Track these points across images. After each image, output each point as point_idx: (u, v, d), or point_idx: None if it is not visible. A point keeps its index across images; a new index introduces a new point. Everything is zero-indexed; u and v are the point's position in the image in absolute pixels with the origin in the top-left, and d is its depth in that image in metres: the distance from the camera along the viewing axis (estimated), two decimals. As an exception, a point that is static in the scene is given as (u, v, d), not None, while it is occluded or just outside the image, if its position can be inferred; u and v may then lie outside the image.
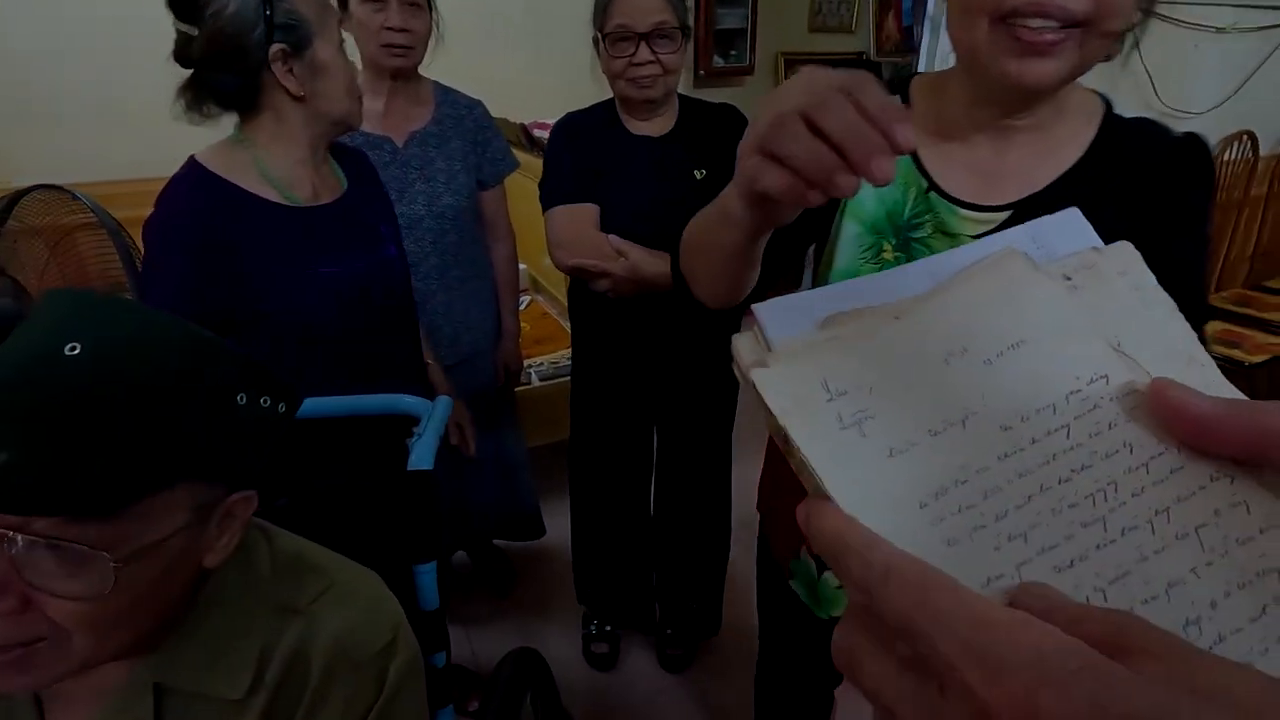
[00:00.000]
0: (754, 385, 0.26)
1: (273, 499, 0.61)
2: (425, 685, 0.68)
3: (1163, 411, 0.24)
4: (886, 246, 0.69)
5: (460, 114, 1.51)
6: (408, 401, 0.94)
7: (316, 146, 1.07)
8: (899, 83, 0.73)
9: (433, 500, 0.85)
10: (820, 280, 0.74)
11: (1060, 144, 0.65)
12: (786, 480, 0.66)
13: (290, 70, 0.98)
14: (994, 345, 0.26)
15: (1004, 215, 0.65)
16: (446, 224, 1.47)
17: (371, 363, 1.12)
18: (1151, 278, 0.28)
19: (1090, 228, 0.30)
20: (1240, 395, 0.25)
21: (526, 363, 1.95)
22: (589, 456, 1.57)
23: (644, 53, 1.24)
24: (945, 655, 0.17)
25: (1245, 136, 2.52)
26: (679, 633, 1.73)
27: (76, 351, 0.46)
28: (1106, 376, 0.25)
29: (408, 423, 0.92)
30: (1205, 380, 0.26)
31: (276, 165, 1.03)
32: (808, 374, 0.26)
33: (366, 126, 1.41)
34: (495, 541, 1.96)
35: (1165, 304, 0.28)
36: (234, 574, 0.59)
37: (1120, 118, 0.67)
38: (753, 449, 0.26)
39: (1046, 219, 0.30)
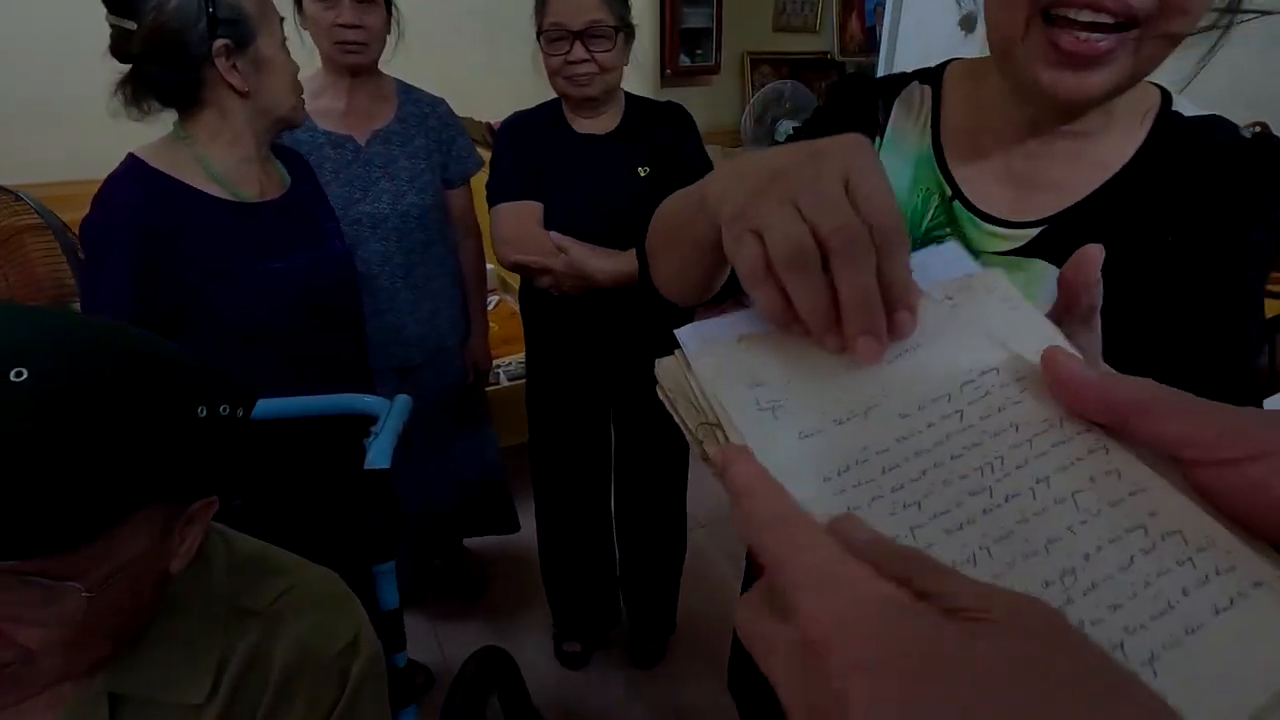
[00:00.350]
0: (669, 399, 0.30)
1: (228, 501, 0.60)
2: (387, 685, 0.68)
3: (1052, 378, 0.27)
4: None
5: (424, 112, 1.50)
6: (366, 401, 0.93)
7: (261, 143, 1.05)
8: (933, 70, 0.64)
9: (391, 499, 0.85)
10: None
11: (1106, 148, 0.56)
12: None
13: (234, 66, 0.97)
14: (893, 349, 0.30)
15: (1034, 232, 0.57)
16: (412, 223, 1.46)
17: (318, 363, 1.11)
18: (1018, 293, 0.32)
19: (968, 256, 0.34)
20: (1109, 370, 0.28)
21: (495, 362, 1.95)
22: (548, 454, 1.57)
23: (579, 51, 1.23)
24: (790, 591, 0.20)
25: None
26: (648, 629, 1.73)
27: (24, 378, 0.42)
28: (997, 369, 0.29)
29: (365, 422, 0.91)
30: None
31: (221, 162, 1.01)
32: (730, 372, 0.29)
33: (328, 125, 1.39)
34: (467, 543, 1.95)
35: (1031, 310, 0.31)
36: (191, 579, 0.58)
37: (1180, 115, 0.57)
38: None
39: (928, 251, 0.34)
